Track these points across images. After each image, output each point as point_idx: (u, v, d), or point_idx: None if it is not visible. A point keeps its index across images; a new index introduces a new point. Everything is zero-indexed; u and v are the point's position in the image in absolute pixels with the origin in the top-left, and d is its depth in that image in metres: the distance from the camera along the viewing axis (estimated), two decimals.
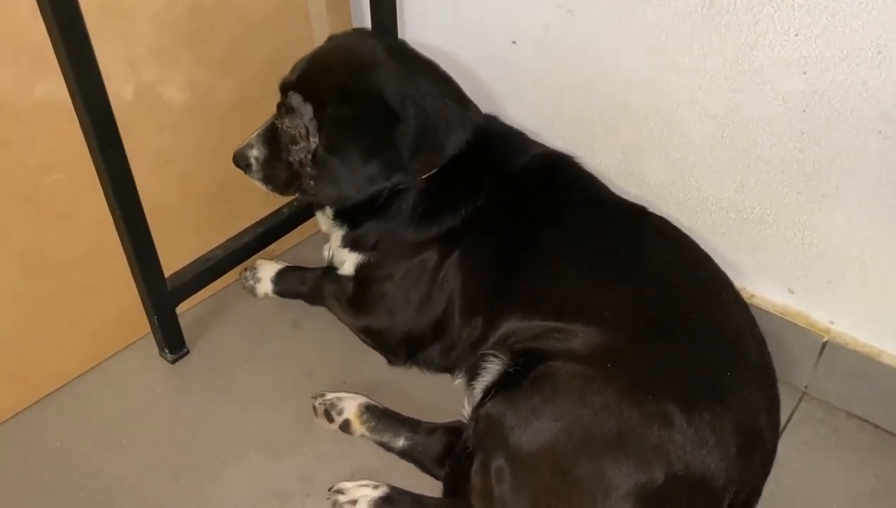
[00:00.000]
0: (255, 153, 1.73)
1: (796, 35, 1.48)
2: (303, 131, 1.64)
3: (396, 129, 1.60)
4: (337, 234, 1.80)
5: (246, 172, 1.76)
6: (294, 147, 1.67)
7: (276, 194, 1.78)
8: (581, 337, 1.45)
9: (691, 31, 1.60)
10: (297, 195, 1.79)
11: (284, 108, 1.66)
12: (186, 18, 1.71)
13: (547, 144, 1.82)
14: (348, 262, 1.80)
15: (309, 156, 1.66)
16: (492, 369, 1.55)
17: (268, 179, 1.74)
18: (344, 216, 1.77)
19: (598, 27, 1.73)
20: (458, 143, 1.67)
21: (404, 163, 1.61)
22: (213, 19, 1.76)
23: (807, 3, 1.43)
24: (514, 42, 1.88)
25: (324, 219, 1.84)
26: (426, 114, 1.63)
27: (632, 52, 1.71)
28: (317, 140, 1.63)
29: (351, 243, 1.78)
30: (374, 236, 1.74)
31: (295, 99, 1.63)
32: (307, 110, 1.62)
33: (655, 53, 1.67)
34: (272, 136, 1.71)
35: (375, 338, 1.83)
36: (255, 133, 1.74)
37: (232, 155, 1.76)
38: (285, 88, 1.67)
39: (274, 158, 1.71)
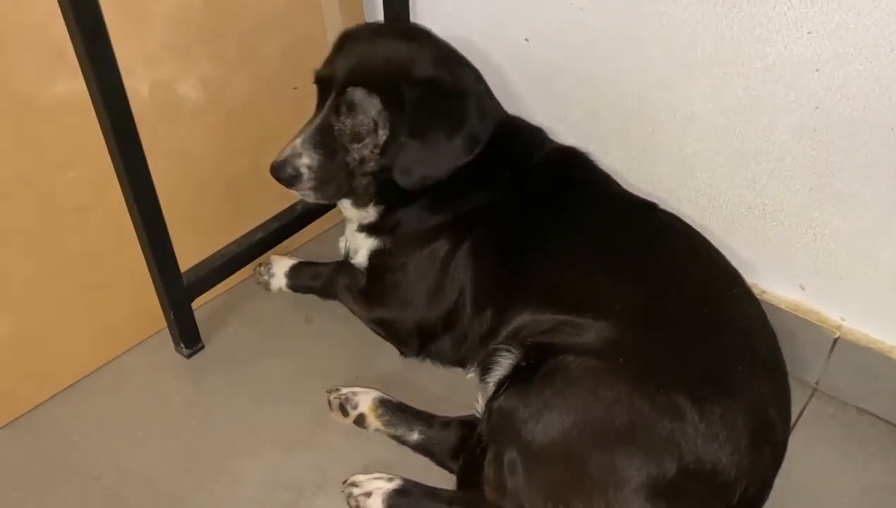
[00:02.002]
0: (305, 161, 1.63)
1: (809, 32, 1.48)
2: (370, 126, 1.61)
3: (468, 105, 1.64)
4: (363, 219, 1.79)
5: (291, 184, 1.65)
6: (356, 145, 1.63)
7: (319, 201, 1.73)
8: (592, 330, 1.46)
9: (704, 29, 1.60)
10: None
11: (345, 106, 1.61)
12: (200, 15, 1.73)
13: (559, 141, 1.84)
14: (363, 249, 1.81)
15: (377, 150, 1.64)
16: (504, 363, 1.56)
17: (320, 187, 1.66)
18: (388, 199, 1.74)
19: (610, 24, 1.73)
20: (491, 129, 1.69)
21: (480, 135, 1.64)
22: (226, 15, 1.78)
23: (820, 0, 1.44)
24: (526, 39, 1.89)
25: (351, 209, 1.81)
26: (476, 93, 1.69)
27: (644, 49, 1.71)
28: (386, 131, 1.62)
29: (371, 227, 1.78)
30: (396, 218, 1.75)
31: (358, 94, 1.59)
32: (374, 103, 1.60)
33: (668, 50, 1.68)
34: (324, 139, 1.63)
35: (388, 329, 1.84)
36: (299, 140, 1.64)
37: (271, 168, 1.65)
38: (342, 85, 1.60)
39: (328, 162, 1.64)
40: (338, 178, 1.66)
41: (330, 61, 1.67)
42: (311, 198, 1.69)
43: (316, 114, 1.67)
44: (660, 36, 1.67)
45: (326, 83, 1.64)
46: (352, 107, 1.61)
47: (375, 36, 1.73)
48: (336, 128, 1.63)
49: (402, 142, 1.61)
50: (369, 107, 1.60)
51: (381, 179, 1.69)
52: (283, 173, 1.64)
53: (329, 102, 1.63)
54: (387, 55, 1.64)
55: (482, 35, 1.92)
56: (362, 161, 1.65)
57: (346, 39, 1.71)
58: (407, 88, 1.59)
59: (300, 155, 1.63)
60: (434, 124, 1.62)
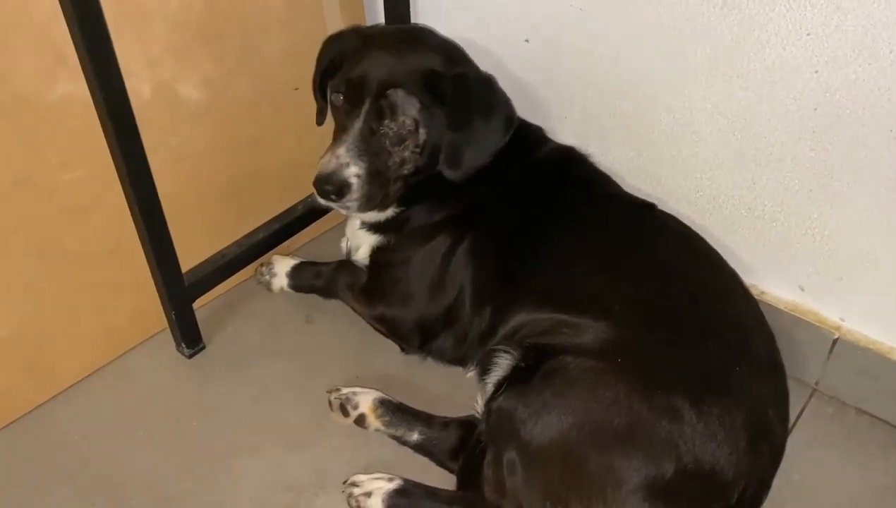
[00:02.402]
0: (354, 170, 1.57)
1: (808, 34, 1.49)
2: (412, 127, 1.61)
3: (497, 90, 1.69)
4: (374, 219, 1.78)
5: (340, 197, 1.58)
6: (397, 148, 1.61)
7: (360, 212, 1.67)
8: (591, 331, 1.47)
9: (704, 30, 1.61)
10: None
11: (388, 109, 1.59)
12: (202, 16, 1.73)
13: (559, 141, 1.84)
14: (364, 246, 1.82)
15: (417, 150, 1.63)
16: (503, 364, 1.57)
17: (368, 197, 1.60)
18: (409, 200, 1.73)
19: (610, 25, 1.74)
20: None
21: (513, 116, 1.69)
22: (227, 16, 1.78)
23: (819, 2, 1.44)
24: (526, 40, 1.90)
25: (369, 212, 1.73)
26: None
27: (644, 51, 1.72)
28: (425, 130, 1.61)
29: (378, 225, 1.79)
30: (406, 215, 1.75)
31: (399, 95, 1.58)
32: (413, 102, 1.59)
33: (667, 52, 1.68)
34: (367, 146, 1.59)
35: (389, 326, 1.85)
36: (342, 149, 1.58)
37: (316, 181, 1.57)
38: (382, 88, 1.58)
39: (374, 169, 1.59)
40: (383, 184, 1.63)
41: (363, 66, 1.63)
42: (353, 209, 1.63)
43: (345, 123, 1.62)
44: (659, 37, 1.68)
45: (357, 89, 1.60)
46: (394, 110, 1.59)
47: (391, 38, 1.71)
48: (380, 131, 1.60)
49: (440, 138, 1.63)
50: (409, 107, 1.59)
51: (411, 181, 1.69)
52: (331, 186, 1.56)
53: (366, 107, 1.59)
54: (414, 55, 1.64)
55: (482, 36, 1.92)
56: (402, 163, 1.64)
57: (362, 42, 1.68)
58: (444, 84, 1.60)
59: (347, 164, 1.57)
60: (473, 113, 1.64)
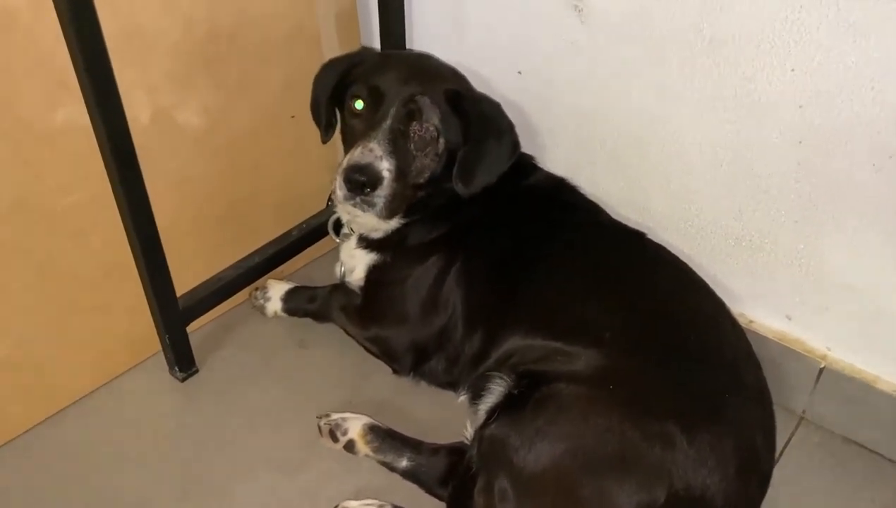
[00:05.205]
0: (386, 165, 1.58)
1: (793, 70, 1.52)
2: (434, 134, 1.65)
3: (506, 116, 1.75)
4: (374, 233, 1.81)
5: (367, 194, 1.58)
6: (420, 153, 1.65)
7: (379, 215, 1.64)
8: (583, 358, 1.49)
9: (692, 65, 1.64)
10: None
11: (418, 112, 1.63)
12: (203, 44, 1.76)
13: (549, 170, 1.88)
14: (360, 265, 1.84)
15: (436, 158, 1.68)
16: (496, 390, 1.58)
17: (392, 197, 1.61)
18: (414, 211, 1.75)
19: (601, 59, 1.78)
20: None
21: (518, 141, 1.76)
22: (227, 45, 1.81)
23: (803, 39, 1.48)
24: (519, 72, 1.93)
25: (372, 220, 1.73)
26: None
27: (634, 84, 1.76)
28: (444, 141, 1.66)
29: (375, 243, 1.81)
30: (405, 232, 1.78)
31: (425, 102, 1.63)
32: (436, 112, 1.64)
33: (657, 85, 1.72)
34: (395, 146, 1.61)
35: (382, 347, 1.86)
36: (374, 143, 1.59)
37: (351, 169, 1.56)
38: (411, 94, 1.63)
39: (400, 169, 1.61)
40: (403, 189, 1.65)
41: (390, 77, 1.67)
42: (377, 208, 1.61)
43: (369, 126, 1.62)
44: (650, 71, 1.71)
45: (384, 93, 1.63)
46: (421, 115, 1.63)
47: (409, 57, 1.83)
48: (411, 133, 1.64)
49: (454, 152, 1.68)
50: (433, 115, 1.64)
51: (420, 194, 1.72)
52: (365, 176, 1.56)
53: (395, 109, 1.62)
54: (434, 73, 1.73)
55: (476, 67, 1.96)
56: (421, 170, 1.68)
57: (381, 58, 1.77)
58: (465, 103, 1.68)
59: (381, 158, 1.58)
60: (489, 133, 1.71)
